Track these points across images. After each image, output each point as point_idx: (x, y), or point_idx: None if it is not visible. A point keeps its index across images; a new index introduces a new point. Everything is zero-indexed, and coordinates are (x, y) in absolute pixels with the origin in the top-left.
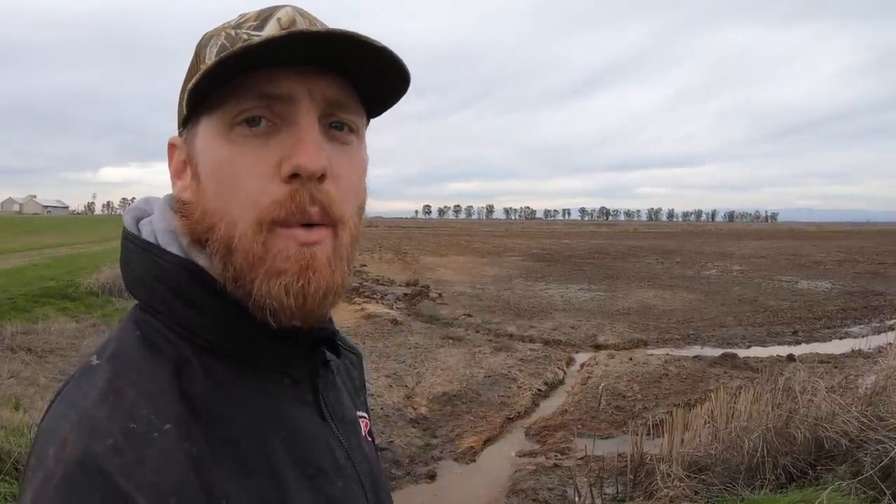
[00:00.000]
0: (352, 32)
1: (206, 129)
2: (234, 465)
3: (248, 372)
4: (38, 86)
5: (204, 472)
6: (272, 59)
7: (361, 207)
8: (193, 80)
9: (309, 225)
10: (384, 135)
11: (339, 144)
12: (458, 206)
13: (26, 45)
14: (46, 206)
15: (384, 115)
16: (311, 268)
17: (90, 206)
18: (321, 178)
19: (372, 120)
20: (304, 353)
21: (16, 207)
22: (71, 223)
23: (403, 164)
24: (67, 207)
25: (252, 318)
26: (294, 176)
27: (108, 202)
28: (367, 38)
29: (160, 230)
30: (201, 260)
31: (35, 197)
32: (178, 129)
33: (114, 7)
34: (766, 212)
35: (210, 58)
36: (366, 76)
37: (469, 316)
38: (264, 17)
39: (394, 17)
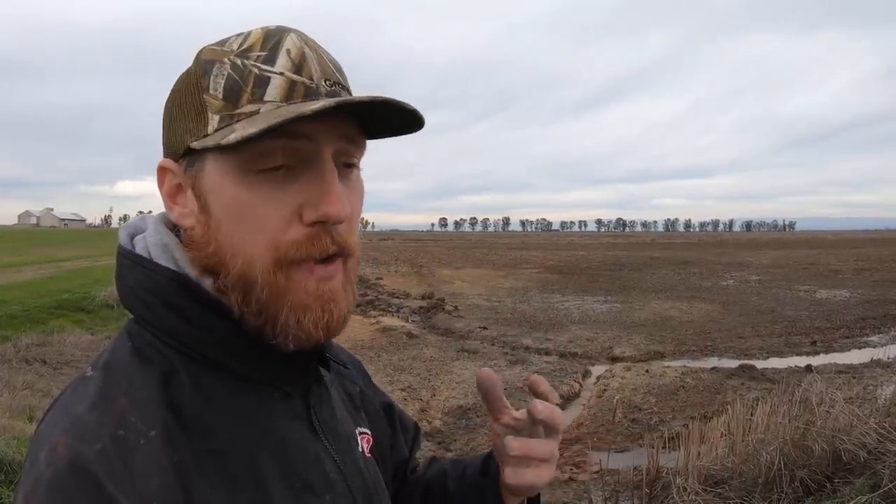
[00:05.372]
0: (391, 100)
1: (219, 167)
2: (218, 476)
3: (238, 384)
4: (55, 99)
5: (186, 480)
6: (324, 114)
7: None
8: (236, 138)
9: (325, 259)
10: (400, 149)
11: (347, 181)
12: (475, 218)
13: (43, 58)
14: (63, 219)
15: None
16: (333, 300)
17: (107, 219)
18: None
19: None
20: (295, 367)
21: (33, 220)
22: (88, 236)
23: (419, 178)
24: (84, 220)
25: (242, 332)
26: (317, 222)
27: (125, 215)
28: (402, 104)
29: (153, 244)
30: (193, 273)
31: (52, 210)
32: (167, 150)
33: (129, 18)
34: (784, 221)
35: (216, 89)
36: (382, 123)
37: (484, 329)
38: (271, 45)
39: (409, 29)
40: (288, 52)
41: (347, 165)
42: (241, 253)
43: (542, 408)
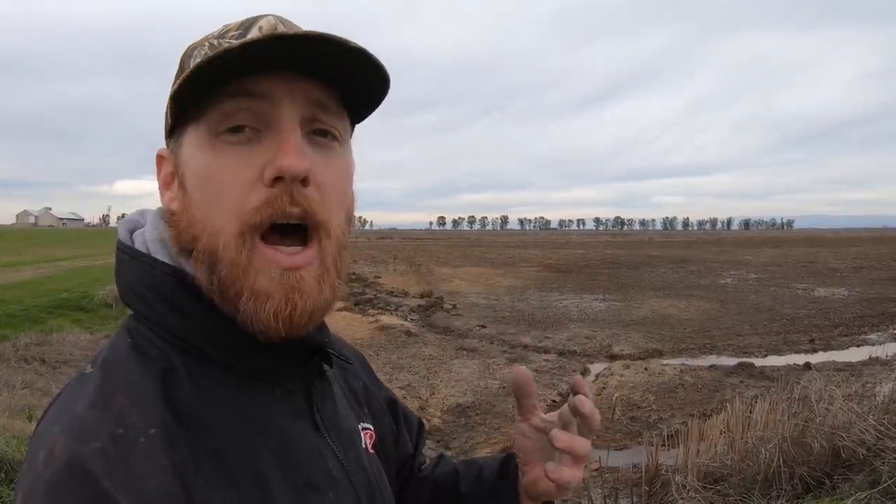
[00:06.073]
0: (327, 34)
1: (192, 139)
2: (217, 473)
3: (237, 381)
4: (54, 98)
5: (186, 478)
6: (252, 64)
7: (349, 215)
8: (175, 85)
9: (291, 237)
10: (398, 147)
11: (322, 151)
12: (473, 217)
13: (42, 58)
14: (62, 219)
15: (397, 127)
16: (298, 290)
17: (105, 219)
18: (304, 181)
19: (384, 133)
20: (297, 363)
21: (31, 220)
22: (86, 235)
23: (417, 176)
24: (83, 220)
25: (239, 328)
26: (277, 180)
27: (123, 214)
28: (342, 39)
29: (150, 239)
30: (189, 268)
31: (51, 209)
32: (166, 140)
33: (129, 18)
34: (782, 219)
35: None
36: (346, 78)
37: (483, 327)
38: (246, 26)
39: (408, 29)
40: (260, 28)
41: (321, 133)
42: (209, 224)
43: (588, 403)
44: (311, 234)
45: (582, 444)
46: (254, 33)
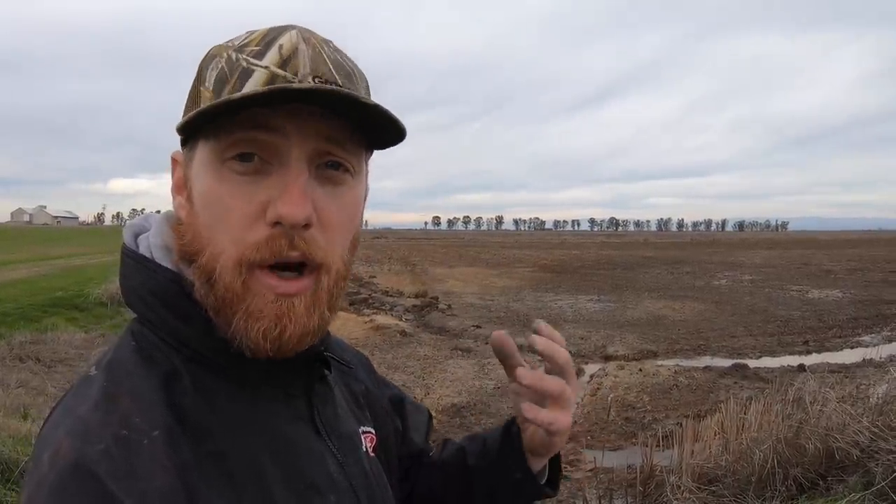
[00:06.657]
0: (339, 90)
1: (202, 156)
2: (219, 478)
3: (240, 386)
4: (49, 97)
5: (189, 480)
6: (260, 103)
7: (354, 242)
8: (179, 124)
9: (289, 269)
10: (394, 147)
11: (331, 186)
12: (468, 217)
13: (38, 56)
14: (56, 217)
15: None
16: (288, 317)
17: (100, 217)
18: (306, 225)
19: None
20: (297, 368)
21: (26, 218)
22: (80, 234)
23: (413, 176)
24: (77, 218)
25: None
26: (277, 223)
27: (118, 213)
28: (355, 95)
29: (155, 245)
30: (189, 275)
31: (45, 207)
32: (181, 146)
33: (124, 18)
34: (777, 221)
35: (209, 81)
36: (362, 121)
37: (478, 327)
38: (268, 41)
39: (404, 30)
40: (280, 47)
41: (334, 166)
42: (210, 245)
43: (540, 340)
44: (311, 270)
45: (551, 382)
46: (272, 53)
